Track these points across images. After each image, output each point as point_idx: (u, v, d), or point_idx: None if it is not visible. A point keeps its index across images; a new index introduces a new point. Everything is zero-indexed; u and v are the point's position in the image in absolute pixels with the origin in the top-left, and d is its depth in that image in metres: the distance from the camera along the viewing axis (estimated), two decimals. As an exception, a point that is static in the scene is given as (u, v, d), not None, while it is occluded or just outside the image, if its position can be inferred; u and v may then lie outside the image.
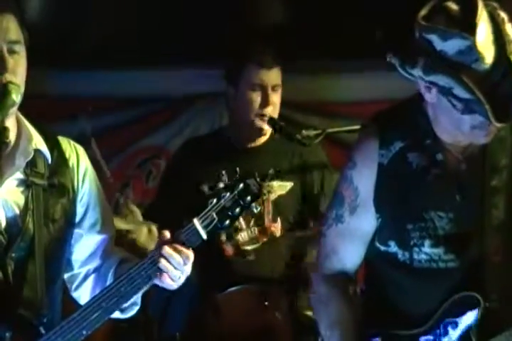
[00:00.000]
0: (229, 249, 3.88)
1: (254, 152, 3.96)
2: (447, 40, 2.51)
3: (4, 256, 2.62)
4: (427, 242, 2.70)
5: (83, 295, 2.84)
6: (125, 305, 2.73)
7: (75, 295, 2.86)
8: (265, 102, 3.83)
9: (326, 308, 2.83)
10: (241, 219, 3.81)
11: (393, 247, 2.75)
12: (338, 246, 2.82)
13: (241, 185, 2.64)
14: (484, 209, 2.70)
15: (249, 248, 3.91)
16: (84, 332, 2.60)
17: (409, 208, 2.71)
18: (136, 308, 2.80)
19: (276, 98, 3.86)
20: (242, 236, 3.91)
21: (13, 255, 2.64)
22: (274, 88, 3.86)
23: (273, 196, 3.88)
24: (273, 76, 3.86)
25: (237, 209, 2.63)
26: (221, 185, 2.72)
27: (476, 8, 2.47)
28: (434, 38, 2.52)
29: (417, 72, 2.54)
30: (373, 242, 2.77)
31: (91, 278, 2.85)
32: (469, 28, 2.46)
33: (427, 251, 2.71)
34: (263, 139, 3.96)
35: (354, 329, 2.79)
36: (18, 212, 2.67)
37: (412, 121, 2.73)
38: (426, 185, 2.69)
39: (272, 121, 3.82)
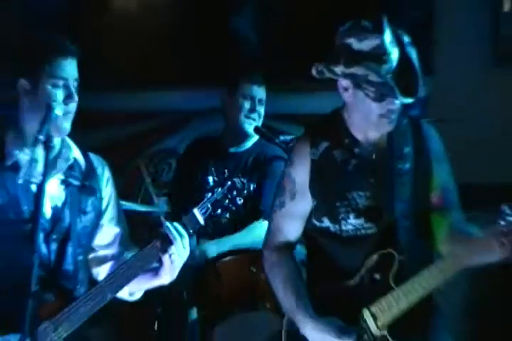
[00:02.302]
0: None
1: (241, 154, 4.11)
2: (363, 41, 2.63)
3: (48, 237, 2.72)
4: (351, 215, 2.77)
5: (101, 274, 2.92)
6: (135, 289, 2.85)
7: (95, 272, 2.95)
8: (253, 109, 4.05)
9: (279, 271, 2.87)
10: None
11: (326, 222, 2.81)
12: (281, 226, 2.89)
13: (229, 183, 2.78)
14: (394, 187, 2.76)
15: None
16: (109, 296, 2.70)
17: (337, 191, 2.79)
18: (141, 293, 2.92)
19: (261, 109, 4.09)
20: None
21: (54, 236, 2.75)
22: (260, 101, 4.07)
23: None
24: (260, 91, 4.09)
25: (226, 201, 2.78)
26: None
27: (382, 23, 2.64)
28: (352, 41, 2.64)
29: (340, 68, 2.65)
30: (311, 220, 2.85)
31: (110, 263, 2.93)
32: (379, 31, 2.63)
33: (352, 223, 2.78)
34: (248, 145, 4.12)
35: (303, 285, 2.86)
36: (59, 204, 2.78)
37: (334, 126, 2.83)
38: (348, 172, 2.79)
39: (256, 129, 4.02)
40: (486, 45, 4.82)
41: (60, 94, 2.70)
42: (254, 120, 4.05)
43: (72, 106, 2.72)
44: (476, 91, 4.65)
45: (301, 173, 2.82)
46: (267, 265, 2.92)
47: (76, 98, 2.71)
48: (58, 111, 2.67)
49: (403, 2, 4.86)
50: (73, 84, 2.72)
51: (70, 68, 2.72)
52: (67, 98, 2.70)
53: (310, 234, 2.89)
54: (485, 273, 3.07)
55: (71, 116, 2.73)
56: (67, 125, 2.72)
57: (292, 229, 2.89)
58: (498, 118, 4.60)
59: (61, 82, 2.70)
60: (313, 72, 2.71)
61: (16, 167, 2.74)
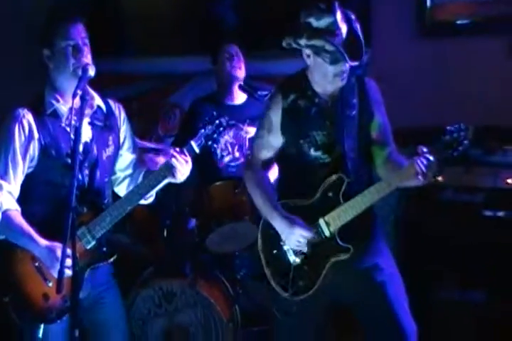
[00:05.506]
0: (221, 163, 4.08)
1: (235, 107, 4.14)
2: (320, 19, 2.71)
3: (82, 165, 2.77)
4: (312, 149, 2.86)
5: (121, 190, 3.01)
6: (148, 195, 2.85)
7: (116, 190, 3.02)
8: (234, 66, 4.07)
9: (254, 182, 2.93)
10: (230, 149, 4.08)
11: (294, 154, 2.89)
12: (258, 152, 2.98)
13: (217, 121, 2.84)
14: (343, 128, 2.80)
15: (233, 164, 4.10)
16: (128, 207, 2.77)
17: (301, 131, 2.88)
18: (153, 198, 2.96)
19: (241, 64, 4.13)
20: (230, 157, 4.09)
21: (86, 164, 2.81)
22: (237, 54, 4.11)
23: (249, 135, 4.06)
24: (236, 50, 4.10)
25: (215, 135, 2.83)
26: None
27: (334, 6, 2.70)
28: (312, 20, 2.72)
29: (303, 41, 2.73)
30: (282, 152, 2.94)
31: (127, 180, 3.01)
32: (332, 12, 2.70)
33: (312, 154, 2.87)
34: (241, 100, 4.15)
35: (272, 190, 2.93)
36: (88, 140, 2.83)
37: (300, 82, 2.89)
38: (309, 117, 2.87)
39: (240, 86, 4.11)
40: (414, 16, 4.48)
41: (72, 52, 2.69)
42: (237, 77, 4.09)
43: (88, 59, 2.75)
44: (404, 57, 4.52)
45: (275, 116, 2.92)
46: (247, 179, 3.00)
47: (86, 52, 2.72)
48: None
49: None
50: (83, 42, 2.74)
51: (76, 31, 2.72)
52: (79, 54, 2.70)
53: (282, 162, 3.01)
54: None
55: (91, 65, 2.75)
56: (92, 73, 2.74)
57: (266, 155, 2.98)
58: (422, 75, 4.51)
59: (71, 43, 2.70)
60: (284, 43, 2.79)
61: (55, 114, 2.79)
